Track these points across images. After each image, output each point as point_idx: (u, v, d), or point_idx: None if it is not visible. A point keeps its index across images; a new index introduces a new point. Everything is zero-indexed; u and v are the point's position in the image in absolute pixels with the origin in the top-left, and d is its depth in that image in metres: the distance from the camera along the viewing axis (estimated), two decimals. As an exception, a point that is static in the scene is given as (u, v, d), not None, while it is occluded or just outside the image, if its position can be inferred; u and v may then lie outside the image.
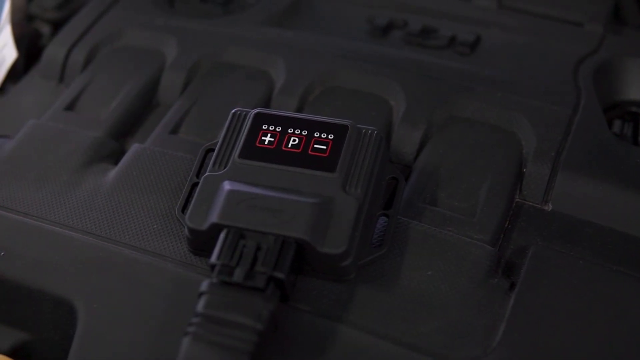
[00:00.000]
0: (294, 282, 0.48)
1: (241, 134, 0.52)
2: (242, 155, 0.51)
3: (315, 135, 0.52)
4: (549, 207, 0.55)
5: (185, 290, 0.49)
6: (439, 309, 0.48)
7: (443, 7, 0.73)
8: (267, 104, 0.63)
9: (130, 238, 0.52)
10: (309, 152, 0.51)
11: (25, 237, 0.53)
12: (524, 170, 0.57)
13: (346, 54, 0.65)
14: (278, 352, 0.46)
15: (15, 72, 0.73)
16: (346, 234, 0.47)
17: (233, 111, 0.54)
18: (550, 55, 0.67)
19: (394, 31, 0.70)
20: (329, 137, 0.52)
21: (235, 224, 0.47)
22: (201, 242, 0.50)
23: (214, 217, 0.48)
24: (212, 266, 0.47)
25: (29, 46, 0.75)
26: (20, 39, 0.74)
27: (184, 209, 0.52)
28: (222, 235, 0.48)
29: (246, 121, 0.53)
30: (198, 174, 0.54)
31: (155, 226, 0.53)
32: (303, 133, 0.52)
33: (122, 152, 0.60)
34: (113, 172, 0.57)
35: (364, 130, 0.52)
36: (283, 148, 0.51)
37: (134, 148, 0.58)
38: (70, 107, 0.64)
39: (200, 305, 0.45)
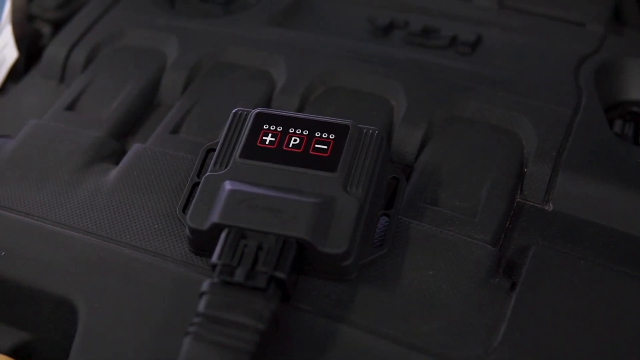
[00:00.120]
0: (295, 282, 0.48)
1: (242, 133, 0.52)
2: (243, 155, 0.51)
3: (316, 135, 0.52)
4: (550, 207, 0.55)
5: (186, 290, 0.49)
6: (440, 308, 0.48)
7: (444, 7, 0.73)
8: (268, 104, 0.63)
9: (131, 238, 0.52)
10: (310, 152, 0.51)
11: (26, 237, 0.53)
12: (525, 170, 0.57)
13: (347, 54, 0.65)
14: (279, 352, 0.46)
15: (16, 72, 0.73)
16: (347, 233, 0.47)
17: (234, 111, 0.54)
18: (551, 55, 0.67)
19: (395, 31, 0.70)
20: (330, 137, 0.52)
21: (237, 223, 0.47)
22: (202, 242, 0.49)
23: (215, 217, 0.48)
24: (213, 266, 0.47)
25: (30, 46, 0.75)
26: (20, 39, 0.74)
27: (184, 208, 0.52)
28: (223, 235, 0.48)
29: (247, 121, 0.53)
30: (199, 173, 0.53)
31: (156, 226, 0.53)
32: (304, 133, 0.52)
33: (123, 152, 0.60)
34: (114, 172, 0.57)
35: (365, 130, 0.52)
36: (284, 148, 0.51)
37: (134, 148, 0.58)
38: (71, 107, 0.64)
39: (201, 305, 0.45)
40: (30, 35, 0.76)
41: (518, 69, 0.65)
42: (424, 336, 0.47)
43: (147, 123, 0.64)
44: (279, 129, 0.52)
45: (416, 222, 0.52)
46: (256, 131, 0.52)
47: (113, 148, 0.60)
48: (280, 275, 0.46)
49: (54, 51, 0.69)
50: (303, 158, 0.51)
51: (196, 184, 0.53)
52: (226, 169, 0.51)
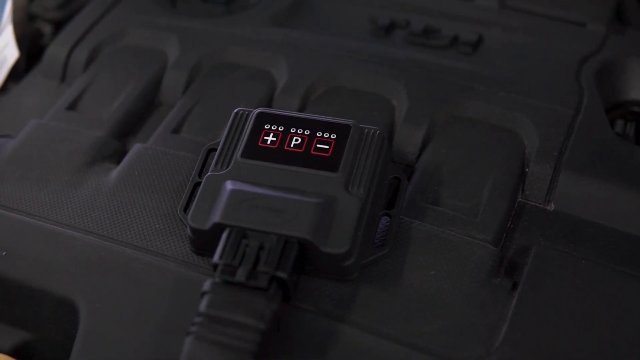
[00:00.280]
0: (296, 282, 0.48)
1: (243, 133, 0.52)
2: (244, 154, 0.51)
3: (317, 134, 0.52)
4: (551, 207, 0.55)
5: (187, 290, 0.49)
6: (441, 308, 0.48)
7: (445, 6, 0.72)
8: (269, 104, 0.63)
9: (133, 238, 0.52)
10: (312, 152, 0.51)
11: (27, 237, 0.53)
12: (527, 170, 0.57)
13: (348, 54, 0.65)
14: (280, 352, 0.46)
15: (17, 72, 0.73)
16: (349, 233, 0.47)
17: (235, 111, 0.54)
18: (552, 55, 0.67)
19: (396, 31, 0.70)
20: (332, 136, 0.52)
21: (238, 223, 0.47)
22: (203, 242, 0.49)
23: (216, 217, 0.48)
24: (215, 266, 0.47)
25: (31, 46, 0.75)
26: (21, 39, 0.74)
27: (186, 208, 0.52)
28: (224, 235, 0.48)
29: (248, 121, 0.53)
30: (200, 173, 0.53)
31: (158, 226, 0.53)
32: (305, 133, 0.52)
33: (124, 152, 0.60)
34: (115, 172, 0.57)
35: (366, 130, 0.52)
36: (285, 148, 0.51)
37: (136, 148, 0.58)
38: (72, 106, 0.64)
39: (202, 305, 0.45)
40: (31, 34, 0.76)
41: (519, 68, 0.65)
42: (426, 336, 0.47)
43: (148, 123, 0.64)
44: (281, 128, 0.52)
45: (417, 222, 0.52)
46: (257, 131, 0.52)
47: (114, 148, 0.60)
48: (282, 275, 0.46)
49: (55, 51, 0.69)
50: (304, 158, 0.51)
51: (197, 184, 0.53)
52: (227, 169, 0.51)
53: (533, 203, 0.56)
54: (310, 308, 0.48)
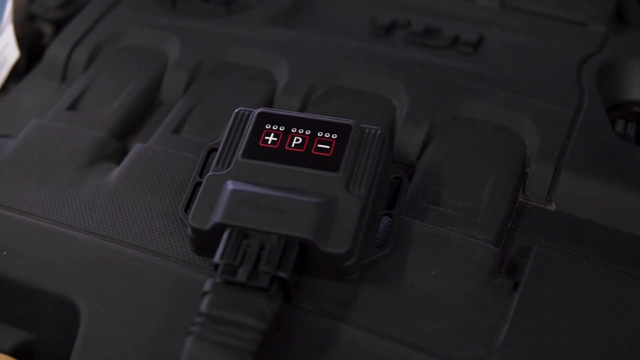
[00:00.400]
0: (297, 282, 0.48)
1: (244, 133, 0.52)
2: (245, 154, 0.51)
3: (318, 134, 0.52)
4: (552, 207, 0.55)
5: (188, 290, 0.49)
6: (442, 308, 0.48)
7: (446, 6, 0.72)
8: (269, 104, 0.63)
9: (133, 238, 0.52)
10: (312, 152, 0.51)
11: (28, 237, 0.53)
12: (527, 170, 0.57)
13: (349, 54, 0.65)
14: (281, 352, 0.46)
15: (17, 72, 0.73)
16: (349, 233, 0.47)
17: (236, 111, 0.54)
18: (553, 55, 0.66)
19: (397, 31, 0.70)
20: (332, 136, 0.52)
21: (239, 223, 0.47)
22: (204, 242, 0.49)
23: (217, 217, 0.48)
24: (216, 266, 0.47)
25: (31, 46, 0.75)
26: (22, 39, 0.74)
27: (187, 208, 0.52)
28: (225, 235, 0.47)
29: (249, 121, 0.53)
30: (201, 173, 0.53)
31: (158, 226, 0.53)
32: (306, 133, 0.52)
33: (124, 152, 0.60)
34: (115, 172, 0.57)
35: (367, 130, 0.52)
36: (286, 148, 0.51)
37: (136, 148, 0.58)
38: (72, 106, 0.64)
39: (203, 305, 0.45)
40: (31, 35, 0.76)
41: (520, 68, 0.65)
42: (426, 336, 0.47)
43: (149, 123, 0.64)
44: (281, 128, 0.52)
45: (418, 222, 0.52)
46: (258, 131, 0.52)
47: (115, 148, 0.60)
48: (283, 275, 0.45)
49: (55, 51, 0.69)
50: (305, 158, 0.51)
51: (198, 184, 0.53)
52: (228, 169, 0.51)
53: (534, 203, 0.56)
54: (311, 308, 0.48)
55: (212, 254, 0.48)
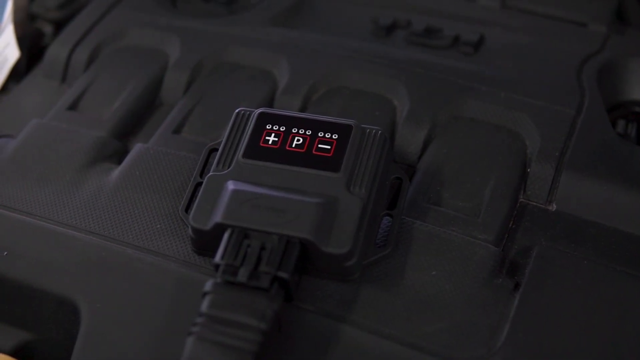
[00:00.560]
0: (298, 282, 0.48)
1: (245, 133, 0.52)
2: (246, 155, 0.51)
3: (319, 135, 0.52)
4: (553, 207, 0.55)
5: (189, 290, 0.49)
6: (443, 309, 0.48)
7: (447, 7, 0.72)
8: (270, 104, 0.63)
9: (134, 238, 0.52)
10: (313, 152, 0.51)
11: (28, 237, 0.53)
12: (528, 170, 0.57)
13: (350, 54, 0.65)
14: (282, 352, 0.46)
15: (18, 72, 0.73)
16: (350, 233, 0.47)
17: (237, 111, 0.54)
18: (553, 55, 0.66)
19: (398, 31, 0.70)
20: (333, 136, 0.51)
21: (239, 223, 0.47)
22: (205, 242, 0.49)
23: (217, 217, 0.48)
24: (216, 266, 0.47)
25: (31, 46, 0.75)
26: (22, 39, 0.73)
27: (187, 208, 0.52)
28: (226, 235, 0.47)
29: (250, 121, 0.53)
30: (202, 173, 0.53)
31: (159, 226, 0.53)
32: (307, 133, 0.52)
33: (125, 152, 0.60)
34: (116, 172, 0.57)
35: (368, 130, 0.52)
36: (287, 148, 0.51)
37: (137, 148, 0.58)
38: (73, 106, 0.64)
39: (204, 305, 0.45)
40: (31, 34, 0.76)
41: (521, 69, 0.65)
42: (427, 336, 0.47)
43: (149, 123, 0.64)
44: (282, 129, 0.52)
45: (419, 222, 0.52)
46: (259, 131, 0.52)
47: (115, 148, 0.60)
48: (284, 275, 0.45)
49: (55, 51, 0.69)
50: (306, 158, 0.51)
51: (199, 184, 0.53)
52: (229, 169, 0.51)
53: (535, 203, 0.56)
54: (311, 308, 0.48)
55: (212, 254, 0.48)
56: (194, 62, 0.66)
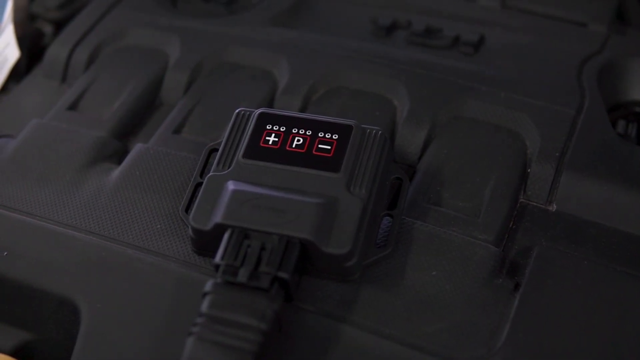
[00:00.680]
0: (298, 282, 0.48)
1: (245, 133, 0.52)
2: (246, 155, 0.51)
3: (319, 135, 0.52)
4: (553, 208, 0.55)
5: (189, 290, 0.49)
6: (443, 309, 0.48)
7: (447, 7, 0.72)
8: (270, 104, 0.63)
9: (134, 238, 0.52)
10: (313, 152, 0.51)
11: (28, 237, 0.53)
12: (528, 170, 0.57)
13: (350, 54, 0.65)
14: (282, 353, 0.46)
15: (18, 72, 0.73)
16: (350, 234, 0.47)
17: (237, 111, 0.54)
18: (554, 55, 0.66)
19: (398, 31, 0.70)
20: (333, 137, 0.51)
21: (240, 224, 0.47)
22: (205, 242, 0.49)
23: (218, 217, 0.48)
24: (216, 266, 0.47)
25: (32, 46, 0.75)
26: (22, 39, 0.73)
27: (187, 208, 0.52)
28: (226, 235, 0.47)
29: (250, 121, 0.53)
30: (202, 173, 0.53)
31: (159, 226, 0.53)
32: (307, 133, 0.52)
33: (125, 152, 0.60)
34: (116, 172, 0.57)
35: (368, 131, 0.52)
36: (287, 148, 0.51)
37: (137, 148, 0.58)
38: (73, 106, 0.64)
39: (204, 306, 0.45)
40: (32, 34, 0.76)
41: (521, 69, 0.65)
42: (427, 337, 0.47)
43: (150, 123, 0.64)
44: (282, 129, 0.52)
45: (419, 222, 0.52)
46: (259, 131, 0.52)
47: (115, 148, 0.60)
48: (284, 275, 0.45)
49: (55, 51, 0.69)
50: (306, 158, 0.51)
51: (199, 184, 0.53)
52: (229, 169, 0.51)
53: (535, 203, 0.56)
54: (311, 308, 0.48)
55: (212, 255, 0.48)
56: (194, 62, 0.66)
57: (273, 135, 0.52)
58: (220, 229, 0.48)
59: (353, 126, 0.52)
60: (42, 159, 0.58)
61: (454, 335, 0.47)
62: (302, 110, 0.62)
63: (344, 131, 0.52)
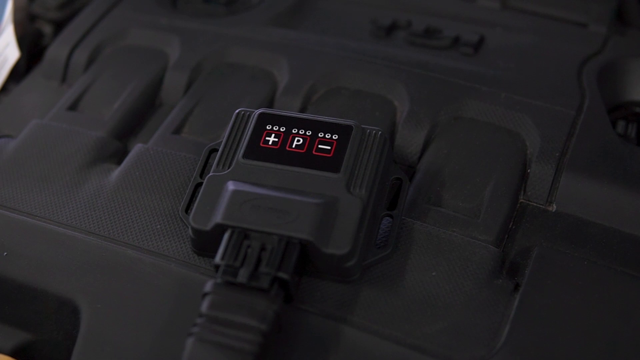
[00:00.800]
0: (298, 283, 0.48)
1: (245, 134, 0.52)
2: (246, 155, 0.51)
3: (319, 135, 0.52)
4: (553, 208, 0.55)
5: (189, 290, 0.49)
6: (443, 309, 0.48)
7: (447, 7, 0.72)
8: (270, 104, 0.63)
9: (134, 238, 0.52)
10: (313, 153, 0.51)
11: (28, 237, 0.53)
12: (528, 170, 0.57)
13: (350, 54, 0.65)
14: (282, 353, 0.46)
15: (18, 72, 0.73)
16: (350, 234, 0.47)
17: (237, 111, 0.54)
18: (554, 55, 0.66)
19: (398, 31, 0.70)
20: (333, 137, 0.51)
21: (240, 224, 0.47)
22: (205, 243, 0.49)
23: (218, 218, 0.48)
24: (216, 267, 0.47)
25: (31, 46, 0.75)
26: (22, 39, 0.74)
27: (187, 209, 0.52)
28: (226, 236, 0.47)
29: (250, 121, 0.53)
30: (202, 174, 0.53)
31: (159, 226, 0.53)
32: (307, 133, 0.52)
33: (125, 152, 0.60)
34: (116, 172, 0.57)
35: (368, 131, 0.52)
36: (287, 148, 0.51)
37: (137, 148, 0.58)
38: (73, 107, 0.64)
39: (204, 306, 0.45)
40: (31, 35, 0.76)
41: (521, 69, 0.65)
42: (427, 337, 0.47)
43: (149, 123, 0.64)
44: (282, 129, 0.52)
45: (419, 222, 0.52)
46: (259, 131, 0.52)
47: (115, 148, 0.60)
48: (284, 276, 0.45)
49: (55, 51, 0.69)
50: (306, 158, 0.51)
51: (199, 184, 0.53)
52: (229, 170, 0.51)
53: (535, 204, 0.56)
54: (311, 309, 0.48)
55: (212, 255, 0.48)
56: (194, 63, 0.66)
57: (273, 135, 0.52)
58: (220, 229, 0.48)
59: (353, 126, 0.52)
60: (42, 159, 0.58)
61: (454, 336, 0.47)
62: (302, 110, 0.62)
63: (343, 131, 0.52)
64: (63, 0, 0.77)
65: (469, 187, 0.55)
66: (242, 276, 0.45)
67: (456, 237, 0.51)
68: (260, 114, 0.53)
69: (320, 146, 0.51)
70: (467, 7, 0.73)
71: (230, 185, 0.49)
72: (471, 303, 0.48)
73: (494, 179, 0.56)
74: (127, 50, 0.69)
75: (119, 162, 0.59)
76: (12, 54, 0.72)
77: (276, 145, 0.51)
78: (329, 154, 0.51)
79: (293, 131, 0.52)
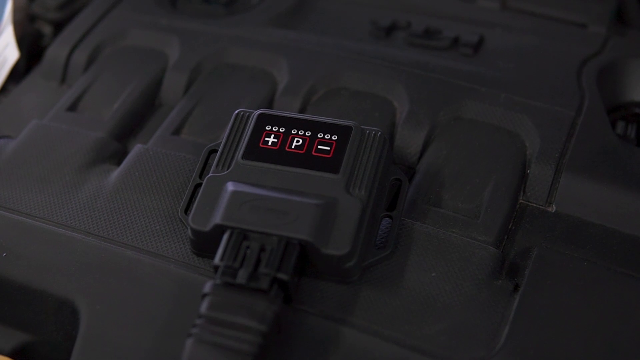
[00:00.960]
0: (297, 284, 0.48)
1: (244, 134, 0.52)
2: (245, 156, 0.51)
3: (318, 136, 0.52)
4: (552, 209, 0.55)
5: (188, 291, 0.49)
6: (442, 310, 0.48)
7: (446, 8, 0.72)
8: (269, 105, 0.63)
9: (133, 239, 0.52)
10: (313, 153, 0.51)
11: (28, 238, 0.53)
12: (528, 171, 0.57)
13: (349, 55, 0.65)
14: (281, 354, 0.46)
15: (17, 73, 0.73)
16: (350, 235, 0.47)
17: (236, 112, 0.54)
18: (553, 56, 0.66)
19: (397, 32, 0.70)
20: (333, 138, 0.51)
21: (239, 225, 0.47)
22: (204, 244, 0.49)
23: (217, 218, 0.48)
24: (216, 267, 0.47)
25: (31, 46, 0.75)
26: (22, 39, 0.73)
27: (187, 209, 0.52)
28: (225, 237, 0.47)
29: (249, 122, 0.53)
30: (201, 174, 0.53)
31: (158, 227, 0.53)
32: (306, 134, 0.52)
33: (124, 153, 0.60)
34: (115, 173, 0.57)
35: (367, 132, 0.52)
36: (286, 149, 0.51)
37: (136, 149, 0.58)
38: (72, 107, 0.64)
39: (203, 307, 0.45)
40: (31, 35, 0.76)
41: (521, 70, 0.65)
42: (427, 338, 0.47)
43: (149, 124, 0.64)
44: (282, 130, 0.52)
45: (419, 223, 0.52)
46: (258, 132, 0.52)
47: (114, 149, 0.60)
48: (283, 276, 0.45)
49: (55, 51, 0.69)
50: (305, 159, 0.51)
51: (198, 185, 0.53)
52: (228, 170, 0.51)
53: (534, 205, 0.56)
54: (311, 310, 0.48)
55: (212, 256, 0.48)
56: (193, 63, 0.66)
57: (272, 136, 0.52)
58: (219, 230, 0.48)
59: (352, 127, 0.52)
60: (41, 160, 0.58)
61: (454, 337, 0.47)
62: (302, 111, 0.62)
63: (343, 132, 0.52)
64: (63, 1, 0.77)
65: (469, 187, 0.55)
66: (242, 277, 0.45)
67: (456, 238, 0.51)
68: (260, 115, 0.53)
69: (319, 147, 0.51)
70: (466, 7, 0.73)
71: (230, 186, 0.49)
72: (471, 304, 0.48)
73: (494, 179, 0.56)
74: (126, 50, 0.69)
75: (119, 163, 0.59)
76: (12, 54, 0.72)
77: (275, 146, 0.51)
78: (329, 154, 0.51)
79: (292, 132, 0.52)
